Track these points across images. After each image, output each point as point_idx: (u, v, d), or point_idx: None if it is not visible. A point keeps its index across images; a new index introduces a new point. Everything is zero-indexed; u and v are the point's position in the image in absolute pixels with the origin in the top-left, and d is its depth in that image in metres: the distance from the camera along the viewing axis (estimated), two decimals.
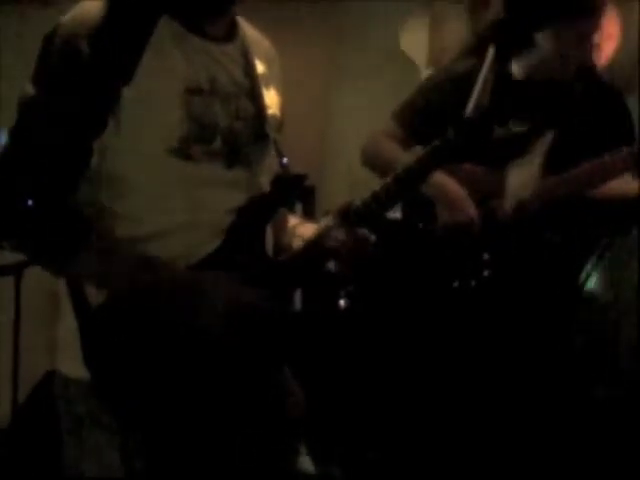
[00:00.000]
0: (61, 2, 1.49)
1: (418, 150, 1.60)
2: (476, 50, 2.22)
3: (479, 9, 3.36)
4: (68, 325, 1.45)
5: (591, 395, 2.84)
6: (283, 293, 1.55)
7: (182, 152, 1.44)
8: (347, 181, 3.65)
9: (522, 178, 2.40)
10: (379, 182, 1.56)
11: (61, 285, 1.47)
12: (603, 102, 2.49)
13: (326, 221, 1.55)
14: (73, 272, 1.43)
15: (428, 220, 2.47)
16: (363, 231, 1.55)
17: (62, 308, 1.48)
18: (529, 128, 2.40)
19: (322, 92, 4.17)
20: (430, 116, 2.42)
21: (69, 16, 1.41)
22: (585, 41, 2.37)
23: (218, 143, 1.48)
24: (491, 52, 1.74)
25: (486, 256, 2.41)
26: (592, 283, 2.85)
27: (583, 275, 2.61)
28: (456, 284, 2.43)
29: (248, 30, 1.60)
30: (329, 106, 4.21)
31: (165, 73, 1.43)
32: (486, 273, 2.40)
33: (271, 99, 1.58)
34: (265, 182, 1.58)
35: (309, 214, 3.51)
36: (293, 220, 1.69)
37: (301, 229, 1.63)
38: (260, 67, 1.57)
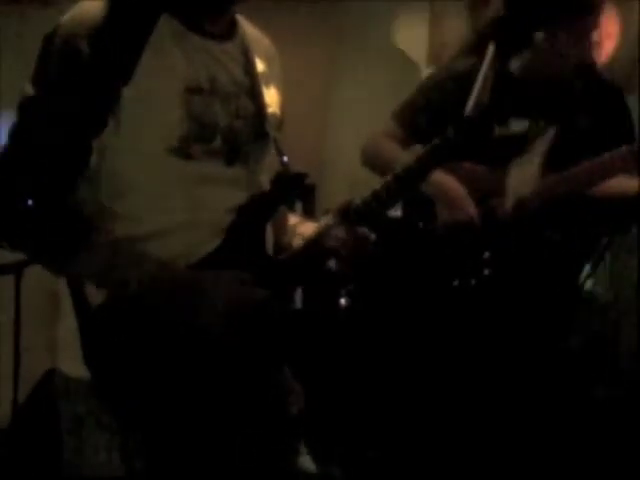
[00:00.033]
0: (61, 2, 1.49)
1: (418, 149, 1.60)
2: (476, 48, 2.22)
3: (479, 7, 3.36)
4: (68, 325, 1.45)
5: (591, 395, 2.84)
6: (283, 292, 1.55)
7: (182, 151, 1.44)
8: (347, 180, 3.65)
9: (522, 177, 2.40)
10: (379, 181, 1.55)
11: (61, 285, 1.47)
12: (603, 100, 2.49)
13: (326, 220, 1.55)
14: (73, 272, 1.42)
15: (428, 219, 2.47)
16: (363, 230, 1.55)
17: (62, 308, 1.48)
18: (529, 126, 2.40)
19: (322, 92, 4.18)
20: (431, 115, 2.42)
21: (69, 16, 1.41)
22: (585, 39, 2.37)
23: (218, 142, 1.48)
24: (491, 50, 1.74)
25: (486, 255, 2.41)
26: (592, 282, 2.85)
27: (583, 274, 2.61)
28: (456, 283, 2.43)
29: (248, 28, 1.60)
30: (329, 105, 4.22)
31: (165, 72, 1.43)
32: (486, 272, 2.40)
33: (271, 98, 1.58)
34: (265, 181, 1.58)
35: (309, 213, 3.52)
36: (293, 219, 1.68)
37: (301, 228, 1.63)
38: (260, 65, 1.57)
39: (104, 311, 1.41)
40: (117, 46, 1.38)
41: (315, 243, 1.54)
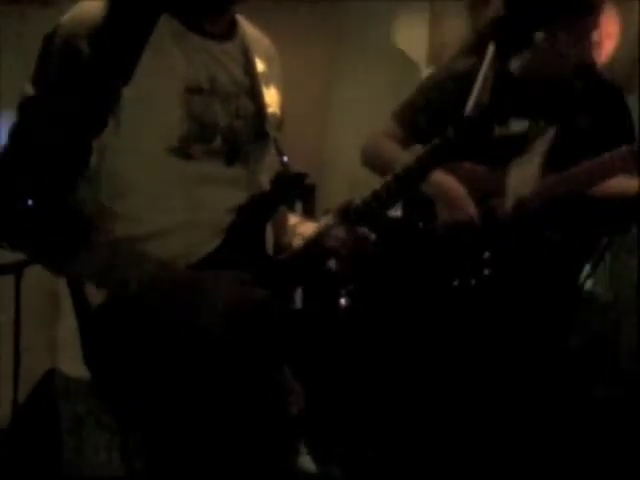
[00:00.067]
0: (61, 2, 1.49)
1: (418, 149, 1.60)
2: (476, 48, 2.22)
3: (479, 7, 3.36)
4: (68, 325, 1.45)
5: (591, 395, 2.84)
6: (283, 292, 1.55)
7: (182, 151, 1.44)
8: (347, 180, 3.65)
9: (522, 177, 2.40)
10: (379, 181, 1.55)
11: (61, 285, 1.47)
12: (603, 100, 2.49)
13: (326, 220, 1.55)
14: (73, 272, 1.42)
15: (428, 219, 2.47)
16: (363, 230, 1.55)
17: (62, 308, 1.48)
18: (529, 126, 2.40)
19: (322, 92, 4.17)
20: (431, 115, 2.42)
21: (68, 16, 1.41)
22: (585, 39, 2.37)
23: (218, 142, 1.48)
24: (491, 50, 1.74)
25: (486, 255, 2.41)
26: (592, 282, 2.85)
27: (583, 274, 2.61)
28: (456, 283, 2.43)
29: (248, 28, 1.60)
30: (329, 105, 4.21)
31: (165, 72, 1.43)
32: (486, 272, 2.40)
33: (271, 97, 1.58)
34: (265, 181, 1.58)
35: (309, 213, 3.52)
36: (293, 219, 1.68)
37: (301, 228, 1.63)
38: (260, 65, 1.57)
39: (104, 311, 1.41)
40: (117, 46, 1.38)
41: (315, 243, 1.54)
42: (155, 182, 1.44)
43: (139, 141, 1.41)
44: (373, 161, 2.56)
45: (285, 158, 1.56)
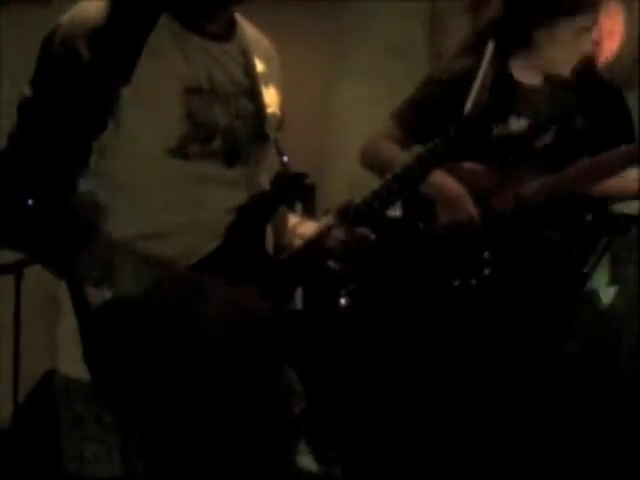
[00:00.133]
0: (61, 2, 1.49)
1: (417, 149, 1.60)
2: (475, 48, 2.22)
3: (479, 7, 3.36)
4: (68, 325, 1.45)
5: (591, 395, 2.83)
6: (284, 292, 1.55)
7: (181, 152, 1.43)
8: (347, 180, 3.65)
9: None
10: (379, 181, 1.55)
11: (61, 285, 1.47)
12: (602, 100, 2.49)
13: (326, 220, 1.55)
14: (73, 272, 1.42)
15: (428, 219, 2.47)
16: (363, 230, 1.55)
17: (62, 308, 1.48)
18: (529, 126, 2.40)
19: (322, 91, 4.17)
20: (430, 115, 2.42)
21: (68, 17, 1.41)
22: (584, 38, 2.37)
23: (218, 142, 1.48)
24: (491, 50, 1.74)
25: (486, 254, 2.41)
26: (592, 283, 2.85)
27: (583, 274, 2.60)
28: (457, 283, 2.43)
29: (247, 29, 1.60)
30: (329, 105, 4.21)
31: (164, 72, 1.43)
32: (487, 271, 2.40)
33: (271, 98, 1.58)
34: (265, 181, 1.58)
35: (309, 213, 3.51)
36: (293, 219, 1.68)
37: (301, 228, 1.63)
38: (260, 66, 1.57)
39: (104, 311, 1.41)
40: (116, 47, 1.39)
41: (315, 243, 1.54)
42: (155, 182, 1.44)
43: (138, 141, 1.42)
44: (372, 161, 2.56)
45: (285, 158, 1.56)
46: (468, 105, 1.62)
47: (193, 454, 1.46)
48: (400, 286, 2.61)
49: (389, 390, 2.79)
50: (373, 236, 1.56)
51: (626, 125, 2.52)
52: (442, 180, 2.37)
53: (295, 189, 1.60)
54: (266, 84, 1.58)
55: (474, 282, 2.41)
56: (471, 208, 2.40)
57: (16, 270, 3.07)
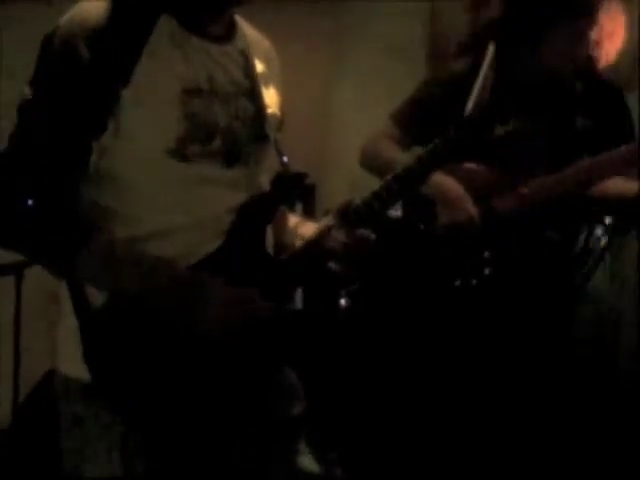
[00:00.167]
0: (62, 2, 1.49)
1: (418, 151, 1.60)
2: (475, 48, 2.22)
3: (479, 7, 3.36)
4: (68, 325, 1.45)
5: (591, 395, 2.83)
6: (284, 293, 1.54)
7: (181, 152, 1.44)
8: (347, 180, 3.64)
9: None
10: (379, 181, 1.55)
11: (61, 285, 1.47)
12: (603, 100, 2.49)
13: (326, 220, 1.55)
14: (73, 272, 1.42)
15: (429, 219, 2.47)
16: (363, 230, 1.55)
17: (62, 308, 1.48)
18: (529, 126, 2.39)
19: (322, 92, 4.17)
20: (429, 116, 2.42)
21: (68, 17, 1.41)
22: (584, 39, 2.37)
23: (217, 143, 1.48)
24: (491, 50, 1.74)
25: (486, 254, 2.41)
26: (592, 283, 2.85)
27: (583, 275, 2.60)
28: (457, 283, 2.43)
29: (247, 30, 1.60)
30: (329, 106, 4.21)
31: (164, 73, 1.43)
32: (487, 271, 2.40)
33: (271, 98, 1.58)
34: (265, 181, 1.58)
35: (309, 213, 3.51)
36: (293, 219, 1.68)
37: (301, 228, 1.63)
38: (259, 66, 1.57)
39: (104, 311, 1.41)
40: (116, 47, 1.39)
41: (315, 244, 1.54)
42: (154, 183, 1.44)
43: (138, 142, 1.42)
44: (371, 162, 2.56)
45: (285, 158, 1.56)
46: (469, 106, 1.62)
47: (193, 454, 1.46)
48: (400, 287, 2.61)
49: (389, 391, 2.79)
50: (373, 237, 1.56)
51: (626, 125, 2.52)
52: (442, 180, 2.37)
53: (295, 189, 1.60)
54: (266, 85, 1.58)
55: (474, 282, 2.41)
56: (471, 208, 2.40)
57: (16, 271, 3.07)
